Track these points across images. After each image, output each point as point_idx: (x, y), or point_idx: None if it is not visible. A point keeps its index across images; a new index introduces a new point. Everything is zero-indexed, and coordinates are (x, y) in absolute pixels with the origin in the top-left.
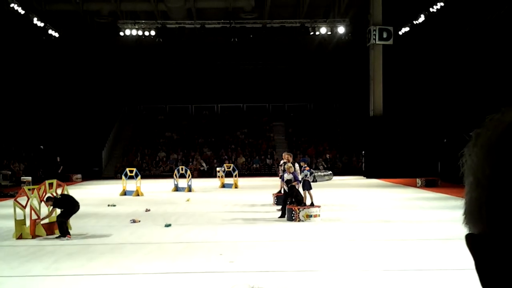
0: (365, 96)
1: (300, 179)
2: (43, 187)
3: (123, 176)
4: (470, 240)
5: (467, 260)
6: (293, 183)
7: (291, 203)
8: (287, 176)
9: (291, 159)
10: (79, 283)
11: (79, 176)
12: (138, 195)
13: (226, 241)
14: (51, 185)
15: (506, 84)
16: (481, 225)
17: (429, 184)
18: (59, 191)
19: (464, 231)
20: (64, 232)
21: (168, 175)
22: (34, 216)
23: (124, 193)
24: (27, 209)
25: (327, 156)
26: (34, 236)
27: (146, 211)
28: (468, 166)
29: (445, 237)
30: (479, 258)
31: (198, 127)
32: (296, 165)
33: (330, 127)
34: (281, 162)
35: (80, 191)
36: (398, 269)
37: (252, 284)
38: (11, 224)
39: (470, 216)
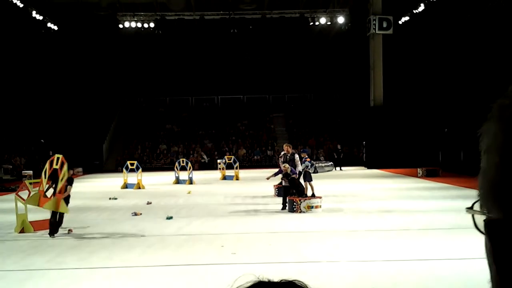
0: (366, 86)
1: (300, 170)
2: (48, 162)
3: (124, 169)
4: (488, 225)
5: (469, 250)
6: (292, 176)
7: (292, 194)
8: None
9: (290, 150)
10: (81, 276)
11: (80, 169)
12: (139, 188)
13: (227, 233)
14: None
15: (506, 71)
16: (500, 209)
17: (430, 174)
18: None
19: (478, 215)
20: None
21: (169, 167)
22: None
23: (125, 186)
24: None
25: (338, 147)
26: (41, 206)
27: (147, 204)
28: (489, 143)
29: (446, 226)
30: (496, 243)
31: (199, 119)
32: (297, 155)
33: (331, 118)
34: (281, 153)
35: (82, 185)
36: (400, 259)
37: (258, 275)
38: (13, 218)
39: (490, 199)
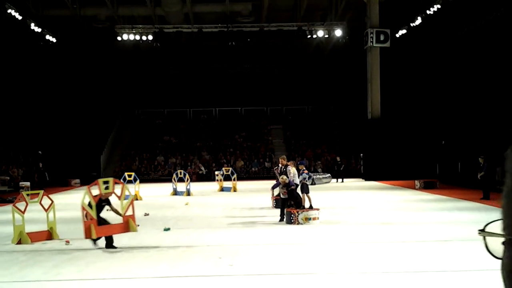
0: (363, 98)
1: (297, 183)
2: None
3: (121, 181)
4: (509, 245)
5: (467, 262)
6: (292, 187)
7: (290, 206)
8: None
9: (284, 163)
10: None
11: (77, 181)
12: (137, 199)
13: (225, 245)
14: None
15: (504, 85)
16: None
17: (428, 186)
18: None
19: (484, 232)
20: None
21: (166, 179)
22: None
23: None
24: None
25: (338, 159)
26: (89, 237)
27: (145, 215)
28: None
29: (444, 238)
30: None
31: (197, 131)
32: (289, 167)
33: (328, 130)
34: (275, 167)
35: (79, 196)
36: (398, 271)
37: None
38: (10, 229)
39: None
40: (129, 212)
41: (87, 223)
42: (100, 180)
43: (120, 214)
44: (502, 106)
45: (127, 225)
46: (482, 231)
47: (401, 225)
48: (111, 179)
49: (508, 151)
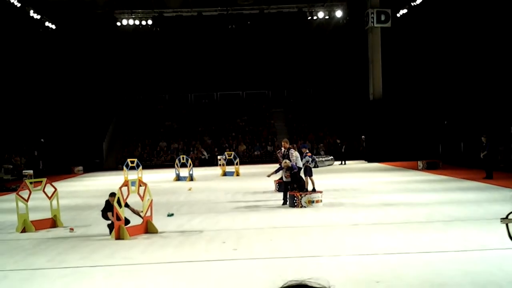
0: (365, 79)
1: (300, 166)
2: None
3: (124, 167)
4: None
5: (469, 242)
6: (294, 170)
7: (293, 189)
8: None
9: (287, 146)
10: (82, 275)
11: (80, 168)
12: (140, 185)
13: (229, 229)
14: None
15: (506, 65)
16: None
17: (431, 167)
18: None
19: (507, 220)
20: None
21: (169, 164)
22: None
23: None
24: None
25: (338, 141)
26: (120, 238)
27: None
28: None
29: (447, 219)
30: None
31: (198, 116)
32: (292, 151)
33: (330, 112)
34: (278, 150)
35: (82, 183)
36: (401, 252)
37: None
38: (14, 218)
39: None
40: (148, 213)
41: (118, 223)
42: (130, 180)
43: (140, 216)
44: (504, 85)
45: (146, 226)
46: (505, 219)
47: (404, 206)
48: (136, 179)
49: None
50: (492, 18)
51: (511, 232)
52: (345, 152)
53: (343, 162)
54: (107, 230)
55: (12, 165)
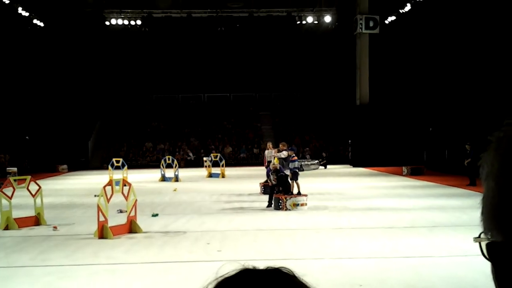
0: (352, 85)
1: (287, 173)
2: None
3: (109, 167)
4: (489, 248)
5: (451, 248)
6: (281, 173)
7: (278, 192)
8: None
9: (271, 146)
10: (66, 273)
11: (65, 166)
12: (124, 185)
13: (213, 231)
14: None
15: (491, 73)
16: (502, 232)
17: (415, 172)
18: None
19: (480, 238)
20: None
21: (155, 165)
22: (101, 218)
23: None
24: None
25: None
26: (103, 237)
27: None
28: (488, 171)
29: (430, 224)
30: (498, 266)
31: (185, 117)
32: (285, 152)
33: (317, 116)
34: (266, 151)
35: (67, 182)
36: (385, 256)
37: (243, 263)
38: None
39: (490, 223)
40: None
41: (101, 223)
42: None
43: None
44: (489, 93)
45: (130, 226)
46: (478, 237)
47: (389, 211)
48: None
49: (483, 158)
50: (477, 28)
51: (484, 251)
52: (326, 156)
53: (324, 167)
54: (91, 229)
55: None
